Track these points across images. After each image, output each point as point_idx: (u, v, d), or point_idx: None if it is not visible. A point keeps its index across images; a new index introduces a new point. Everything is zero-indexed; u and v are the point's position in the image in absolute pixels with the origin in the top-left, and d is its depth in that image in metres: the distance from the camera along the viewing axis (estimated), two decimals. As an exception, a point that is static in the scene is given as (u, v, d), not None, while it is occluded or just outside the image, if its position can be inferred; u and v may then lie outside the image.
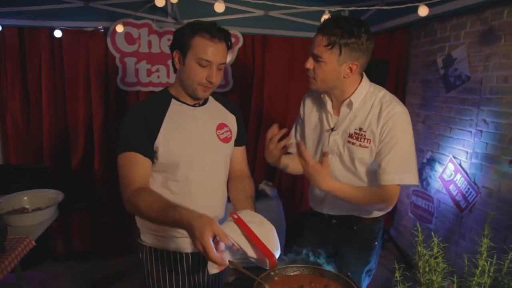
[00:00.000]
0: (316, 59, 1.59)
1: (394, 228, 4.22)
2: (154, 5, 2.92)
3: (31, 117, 3.56)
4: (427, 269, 1.04)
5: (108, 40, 3.44)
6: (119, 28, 3.29)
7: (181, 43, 1.50)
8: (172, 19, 3.50)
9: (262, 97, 3.91)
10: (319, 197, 1.87)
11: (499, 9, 2.80)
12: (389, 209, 1.76)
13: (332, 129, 1.74)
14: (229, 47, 1.56)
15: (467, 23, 3.15)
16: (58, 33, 3.25)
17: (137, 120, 1.52)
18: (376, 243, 1.86)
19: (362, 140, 1.65)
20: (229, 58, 3.69)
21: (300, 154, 1.51)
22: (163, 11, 3.45)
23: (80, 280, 3.39)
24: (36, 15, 3.19)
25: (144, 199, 1.37)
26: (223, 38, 1.50)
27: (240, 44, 3.65)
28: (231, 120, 1.74)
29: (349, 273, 1.25)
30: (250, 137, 3.92)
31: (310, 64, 1.62)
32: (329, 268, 1.25)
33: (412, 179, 1.62)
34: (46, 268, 3.58)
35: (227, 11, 3.08)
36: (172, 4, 3.30)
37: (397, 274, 1.03)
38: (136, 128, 1.50)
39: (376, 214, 1.83)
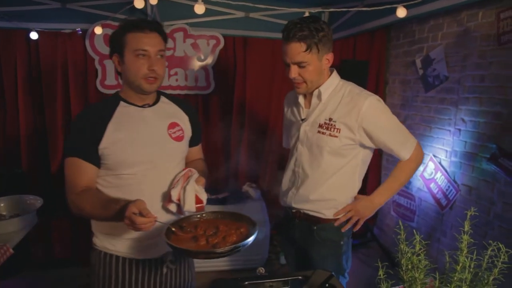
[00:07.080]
0: (300, 65, 1.66)
1: (377, 227, 4.26)
2: (133, 7, 2.87)
3: (7, 120, 3.47)
4: (409, 267, 1.04)
5: (87, 42, 3.38)
6: (98, 30, 3.23)
7: (116, 44, 1.52)
8: (152, 21, 3.45)
9: (244, 99, 3.90)
10: (284, 189, 1.97)
11: (474, 11, 2.86)
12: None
13: (303, 120, 1.82)
14: (164, 37, 1.56)
15: (444, 25, 3.21)
16: (34, 35, 3.18)
17: (82, 124, 1.53)
18: (342, 242, 1.85)
19: (332, 129, 1.72)
20: (210, 60, 3.68)
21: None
22: (142, 13, 3.40)
23: (61, 288, 3.32)
24: (11, 17, 3.10)
25: (88, 200, 1.43)
26: (154, 28, 1.52)
27: (221, 45, 3.64)
28: (183, 120, 1.72)
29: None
30: (233, 138, 3.91)
31: (295, 73, 1.68)
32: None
33: (414, 140, 1.80)
34: (25, 276, 3.48)
35: (208, 12, 3.06)
36: (151, 5, 3.26)
37: (380, 272, 1.03)
38: (80, 133, 1.51)
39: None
